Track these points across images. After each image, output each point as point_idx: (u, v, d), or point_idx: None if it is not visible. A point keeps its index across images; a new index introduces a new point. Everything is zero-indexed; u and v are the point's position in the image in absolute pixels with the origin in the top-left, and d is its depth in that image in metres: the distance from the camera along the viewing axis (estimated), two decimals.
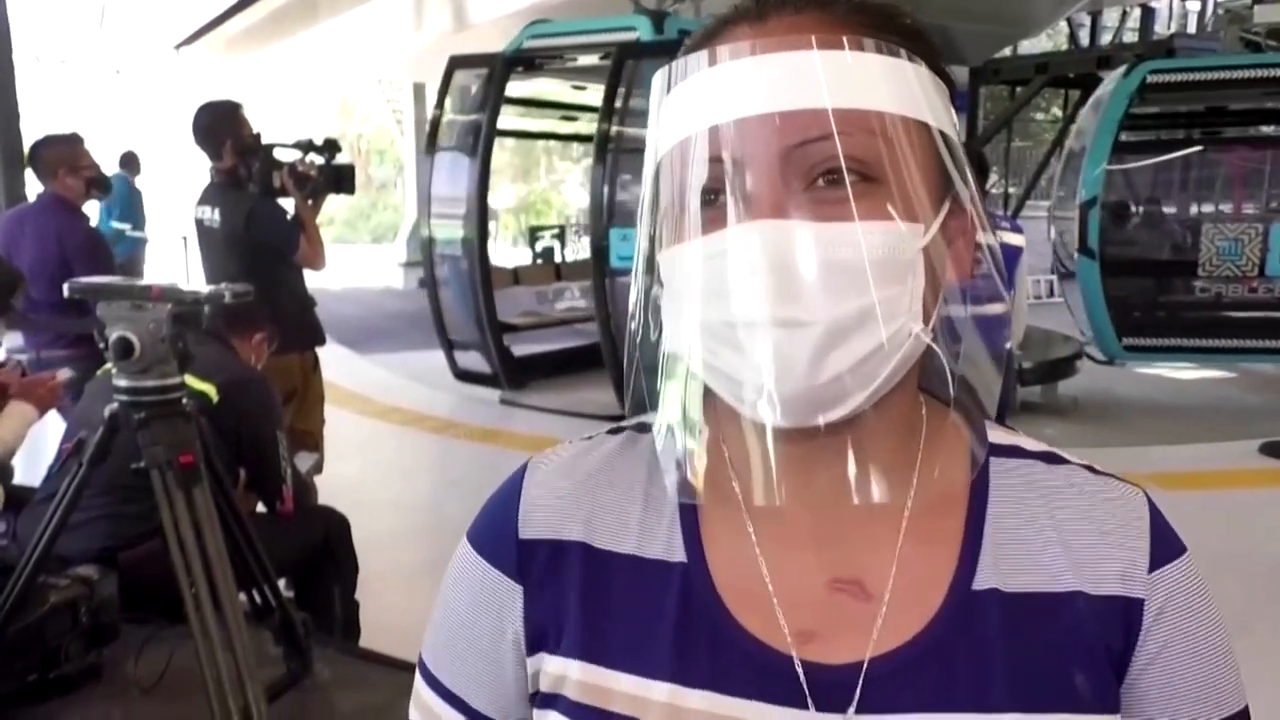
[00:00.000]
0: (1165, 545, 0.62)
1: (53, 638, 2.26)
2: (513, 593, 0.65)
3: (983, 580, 0.60)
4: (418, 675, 0.71)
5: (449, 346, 7.32)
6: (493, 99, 6.78)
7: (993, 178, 8.75)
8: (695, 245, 0.54)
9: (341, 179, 3.94)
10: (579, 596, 0.63)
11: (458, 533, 0.69)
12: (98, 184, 4.24)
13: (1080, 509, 0.62)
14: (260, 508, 2.86)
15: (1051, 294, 9.64)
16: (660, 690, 0.60)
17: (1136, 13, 13.66)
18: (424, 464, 5.91)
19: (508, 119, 7.55)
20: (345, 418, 6.02)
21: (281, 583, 2.52)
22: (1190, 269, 6.72)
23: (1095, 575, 0.60)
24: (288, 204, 3.83)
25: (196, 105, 3.83)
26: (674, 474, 0.58)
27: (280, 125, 21.17)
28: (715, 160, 0.54)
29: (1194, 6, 15.46)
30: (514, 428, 6.24)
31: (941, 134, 0.56)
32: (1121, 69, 6.97)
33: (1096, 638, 0.59)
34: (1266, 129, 8.16)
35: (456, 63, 7.13)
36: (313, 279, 4.00)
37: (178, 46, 16.44)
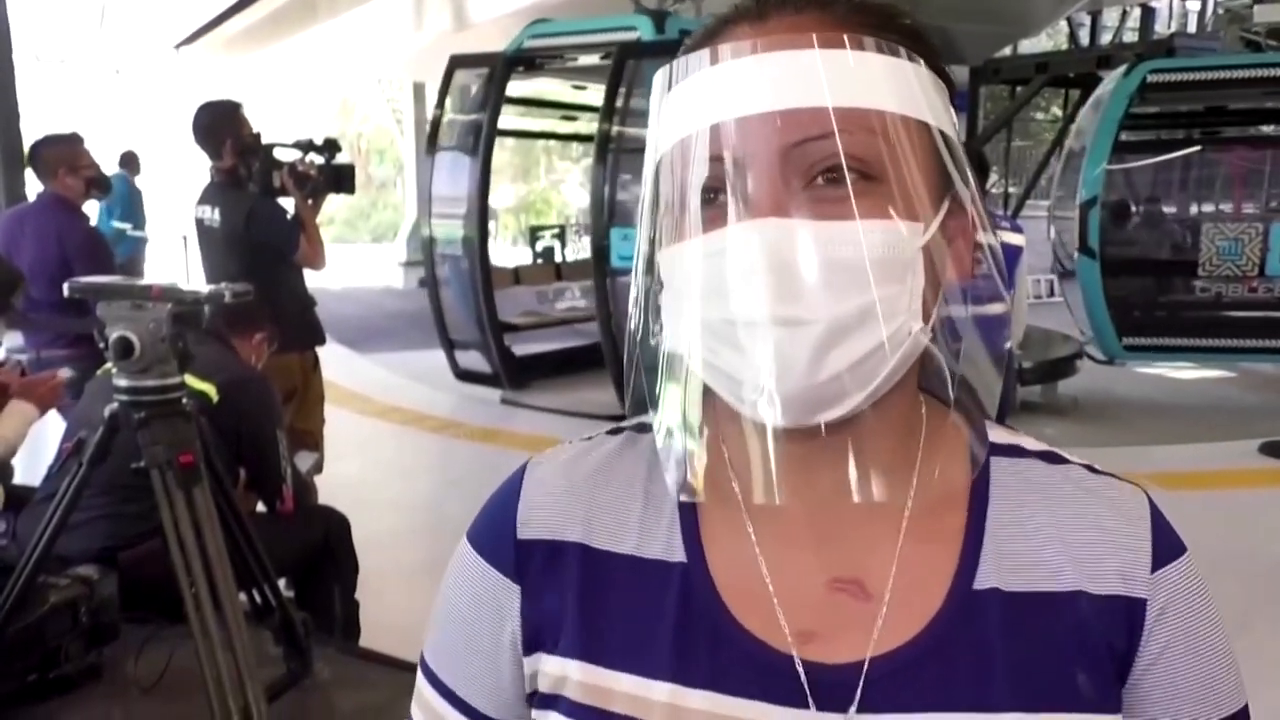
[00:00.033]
0: (1167, 545, 0.62)
1: (53, 637, 2.26)
2: (510, 592, 0.65)
3: (983, 580, 0.60)
4: (419, 674, 0.71)
5: (450, 346, 7.32)
6: (493, 98, 6.78)
7: (993, 177, 8.74)
8: (695, 244, 0.54)
9: (341, 178, 3.94)
10: (578, 597, 0.63)
11: (458, 532, 0.69)
12: (98, 184, 4.24)
13: (1081, 508, 0.62)
14: (260, 507, 2.86)
15: (1052, 293, 9.64)
16: (661, 690, 0.60)
17: (1136, 12, 13.66)
18: (424, 464, 5.91)
19: (508, 118, 7.54)
20: (345, 417, 6.03)
21: (281, 582, 2.52)
22: (1190, 269, 6.72)
23: (1096, 574, 0.60)
24: (288, 203, 3.83)
25: (196, 105, 3.83)
26: (674, 473, 0.57)
27: (280, 125, 21.16)
28: (715, 159, 0.54)
29: (1194, 6, 15.46)
30: (515, 427, 6.24)
31: (941, 133, 0.56)
32: (1122, 69, 6.97)
33: (1098, 637, 0.59)
34: (1266, 129, 8.16)
35: (457, 62, 7.13)
36: (313, 278, 4.00)
37: (177, 46, 16.45)
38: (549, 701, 0.64)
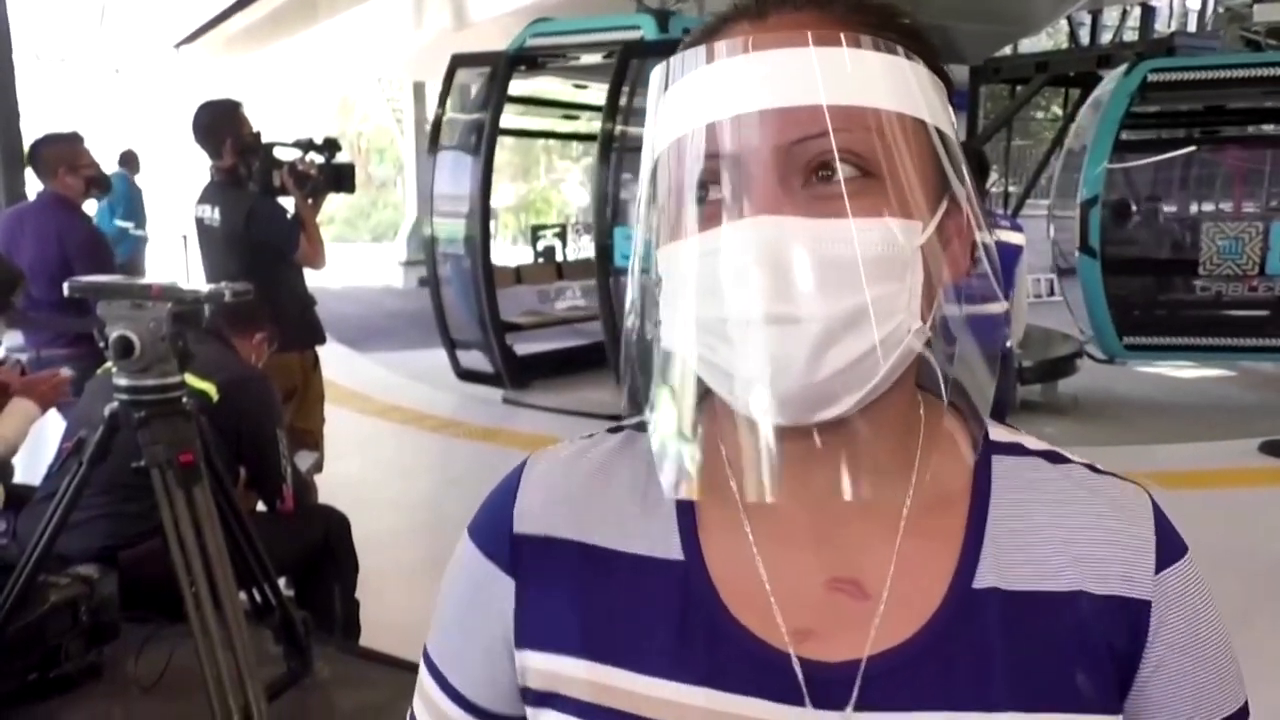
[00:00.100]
0: (1170, 546, 0.61)
1: (53, 636, 2.26)
2: (506, 586, 0.65)
3: (983, 579, 0.60)
4: (422, 666, 0.71)
5: (452, 346, 7.32)
6: (495, 98, 6.77)
7: (993, 176, 8.74)
8: (692, 242, 0.54)
9: (341, 178, 3.93)
10: (575, 594, 0.63)
11: (458, 532, 0.70)
12: (97, 183, 4.24)
13: (1083, 508, 0.62)
14: (260, 506, 2.86)
15: (1052, 292, 9.63)
16: (659, 687, 0.60)
17: (1137, 11, 13.66)
18: (424, 463, 5.91)
19: (508, 117, 7.54)
20: (345, 416, 6.03)
21: (281, 581, 2.52)
22: (1191, 267, 6.72)
23: (1098, 574, 0.60)
24: (288, 203, 3.83)
25: (196, 104, 3.83)
26: (669, 472, 0.57)
27: (280, 124, 21.15)
28: (712, 157, 0.54)
29: (1194, 5, 15.46)
30: (516, 427, 6.24)
31: (939, 132, 0.56)
32: (1122, 68, 6.97)
33: (1099, 637, 0.59)
34: (1267, 128, 8.15)
35: (459, 61, 7.12)
36: (313, 278, 4.00)
37: (177, 45, 16.46)
38: (544, 699, 0.64)
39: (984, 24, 9.43)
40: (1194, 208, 8.30)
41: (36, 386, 2.85)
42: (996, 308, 0.60)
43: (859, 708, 0.58)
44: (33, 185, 4.72)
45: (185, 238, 9.51)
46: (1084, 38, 13.42)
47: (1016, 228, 4.23)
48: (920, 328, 0.54)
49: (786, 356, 0.51)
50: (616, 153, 6.24)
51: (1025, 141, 17.35)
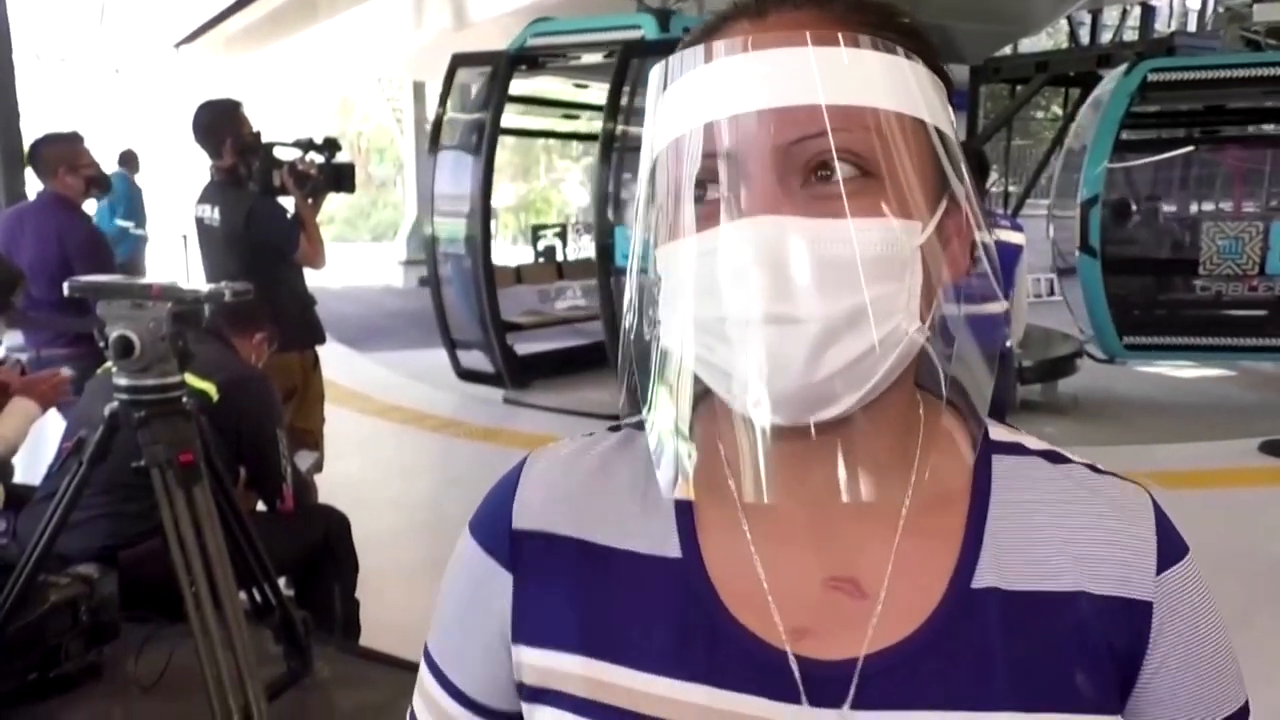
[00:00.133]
0: (1171, 546, 0.61)
1: (53, 636, 2.26)
2: (504, 581, 0.65)
3: (982, 578, 0.60)
4: (422, 663, 0.72)
5: (452, 346, 7.31)
6: (496, 97, 6.77)
7: (993, 176, 8.74)
8: (690, 242, 0.54)
9: (341, 177, 3.94)
10: (573, 591, 0.63)
11: (458, 531, 0.70)
12: (97, 182, 4.24)
13: (1084, 508, 0.62)
14: (260, 506, 2.86)
15: (1052, 292, 9.64)
16: (656, 684, 0.60)
17: (1136, 11, 13.66)
18: (424, 463, 5.91)
19: (509, 117, 7.54)
20: (345, 416, 6.03)
21: (281, 581, 2.52)
22: (1191, 267, 6.72)
23: (1099, 575, 0.60)
24: (288, 202, 3.83)
25: (196, 104, 3.83)
26: (666, 471, 0.57)
27: (280, 124, 21.15)
28: (710, 156, 0.54)
29: (1194, 5, 15.45)
30: (517, 427, 6.24)
31: (939, 132, 0.56)
32: (1122, 67, 6.96)
33: (1099, 637, 0.59)
34: (1267, 128, 8.15)
35: (460, 60, 7.12)
36: (313, 277, 4.00)
37: (177, 45, 16.46)
38: (539, 695, 0.64)
39: (984, 23, 9.44)
40: (1194, 207, 8.30)
41: (37, 386, 2.85)
42: (996, 307, 0.60)
43: (856, 706, 0.58)
44: (33, 185, 4.72)
45: (185, 237, 9.52)
46: (1084, 37, 13.42)
47: (1016, 227, 4.23)
48: (919, 328, 0.54)
49: (785, 356, 0.51)
50: (618, 152, 6.24)
51: (1025, 141, 17.34)
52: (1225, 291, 6.78)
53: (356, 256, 18.02)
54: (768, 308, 0.51)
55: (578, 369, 7.41)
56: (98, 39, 21.15)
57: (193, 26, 15.35)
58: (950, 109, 0.58)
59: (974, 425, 0.60)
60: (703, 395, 0.57)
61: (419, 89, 16.54)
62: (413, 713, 0.73)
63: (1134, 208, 7.42)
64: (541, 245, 9.82)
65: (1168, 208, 7.94)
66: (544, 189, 24.41)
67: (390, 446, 6.09)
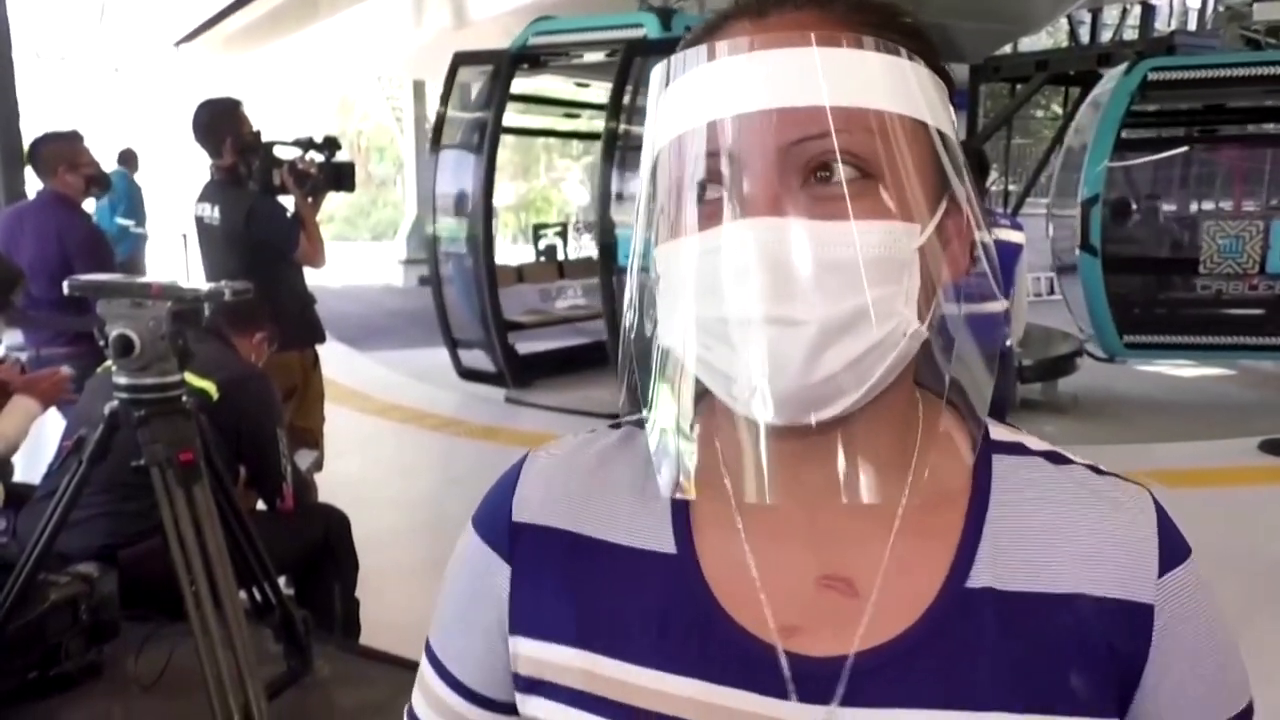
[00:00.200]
0: (1173, 548, 0.61)
1: (53, 635, 2.26)
2: (502, 572, 0.66)
3: (978, 578, 0.60)
4: (423, 658, 0.72)
5: (454, 345, 7.31)
6: (498, 96, 6.77)
7: (993, 175, 8.74)
8: (691, 241, 0.54)
9: (341, 176, 3.94)
10: (569, 584, 0.64)
11: (459, 530, 0.71)
12: (97, 181, 4.24)
13: (1085, 509, 0.61)
14: (260, 505, 2.86)
15: (1052, 291, 9.64)
16: (649, 677, 0.61)
17: (1137, 10, 13.65)
18: (424, 462, 5.91)
19: (510, 116, 7.53)
20: (345, 415, 6.03)
21: (282, 580, 2.52)
22: (1191, 266, 6.72)
23: (1099, 577, 0.59)
24: (288, 201, 3.83)
25: (196, 102, 3.83)
26: (665, 470, 0.58)
27: (280, 123, 21.14)
28: (711, 156, 0.53)
29: (1194, 4, 15.44)
30: (518, 426, 6.24)
31: (939, 133, 0.56)
32: (1122, 66, 6.96)
33: (1099, 639, 0.58)
34: (1267, 127, 8.15)
35: (461, 59, 7.11)
36: (313, 276, 4.00)
37: (177, 44, 16.43)
38: (533, 685, 0.64)
39: (984, 22, 9.43)
40: (1194, 206, 8.29)
41: (37, 384, 2.85)
42: (996, 306, 0.60)
43: (846, 703, 0.58)
44: (32, 184, 4.72)
45: (185, 236, 9.51)
46: (1084, 36, 13.41)
47: (1016, 226, 4.23)
48: (918, 328, 0.54)
49: (784, 357, 0.51)
50: (620, 151, 6.24)
51: (1025, 140, 17.34)
52: (1225, 290, 6.78)
53: (356, 255, 18.02)
54: (768, 309, 0.51)
55: (579, 368, 7.41)
56: (97, 37, 21.15)
57: (193, 25, 15.32)
58: (951, 109, 0.58)
59: (974, 425, 0.60)
60: (701, 394, 0.57)
61: (419, 88, 16.54)
62: (410, 710, 0.73)
63: (1134, 207, 7.43)
64: (542, 244, 9.82)
65: (1168, 207, 7.94)
66: (545, 188, 24.40)
67: (391, 445, 6.09)
